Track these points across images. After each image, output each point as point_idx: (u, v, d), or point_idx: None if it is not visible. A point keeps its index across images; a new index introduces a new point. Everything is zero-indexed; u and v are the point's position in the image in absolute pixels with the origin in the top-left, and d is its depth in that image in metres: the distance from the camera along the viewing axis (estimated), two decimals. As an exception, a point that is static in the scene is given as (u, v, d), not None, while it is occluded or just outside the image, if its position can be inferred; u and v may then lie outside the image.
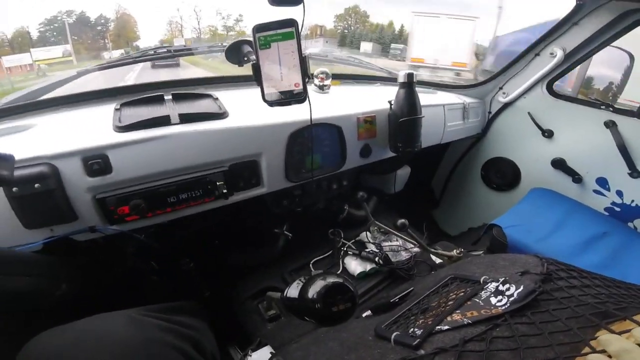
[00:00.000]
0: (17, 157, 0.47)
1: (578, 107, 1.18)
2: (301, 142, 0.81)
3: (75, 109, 0.80)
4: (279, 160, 0.79)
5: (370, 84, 1.29)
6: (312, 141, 0.83)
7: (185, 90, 0.86)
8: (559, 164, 1.22)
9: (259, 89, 0.63)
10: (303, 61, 0.64)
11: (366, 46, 21.39)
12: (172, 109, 0.74)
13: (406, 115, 0.92)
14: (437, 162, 1.63)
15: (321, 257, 1.00)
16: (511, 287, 0.45)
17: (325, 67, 1.03)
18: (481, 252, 1.04)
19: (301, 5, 0.61)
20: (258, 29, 0.63)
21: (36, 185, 0.55)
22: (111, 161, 0.60)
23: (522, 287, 0.44)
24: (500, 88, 1.38)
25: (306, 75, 0.65)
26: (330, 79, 1.00)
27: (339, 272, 0.95)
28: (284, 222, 1.03)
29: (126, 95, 0.82)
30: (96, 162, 0.59)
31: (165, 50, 0.80)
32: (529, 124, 1.30)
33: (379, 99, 1.01)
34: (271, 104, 0.66)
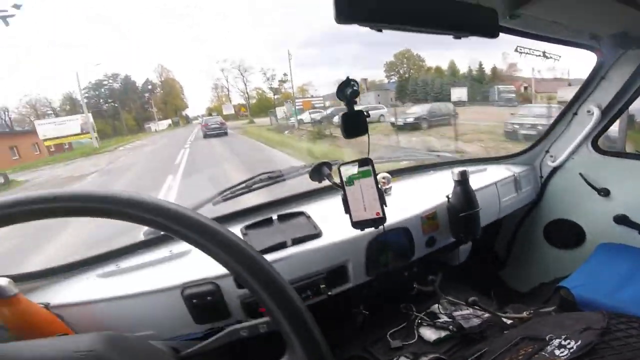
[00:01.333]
0: (194, 277, 0.80)
1: (628, 161, 1.20)
2: (377, 246, 1.00)
3: None
4: (360, 262, 0.99)
5: (425, 173, 1.45)
6: (385, 244, 1.02)
7: (284, 208, 1.14)
8: (621, 220, 1.23)
9: (334, 199, 0.94)
10: (381, 195, 0.85)
11: (459, 93, 19.36)
12: (281, 231, 0.98)
13: (464, 211, 1.08)
14: (497, 229, 1.68)
15: (397, 328, 1.12)
16: (572, 342, 0.56)
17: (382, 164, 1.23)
18: (551, 309, 1.08)
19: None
20: (342, 166, 0.87)
21: (208, 298, 0.81)
22: None
23: (580, 341, 0.55)
24: (547, 151, 1.43)
25: (384, 204, 0.86)
26: (391, 182, 1.19)
27: (414, 340, 1.06)
28: (361, 303, 1.17)
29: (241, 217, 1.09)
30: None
31: (267, 176, 1.11)
32: (582, 184, 1.32)
33: (436, 190, 1.18)
34: (358, 228, 0.88)
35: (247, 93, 43.72)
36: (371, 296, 1.11)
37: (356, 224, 0.87)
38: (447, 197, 1.12)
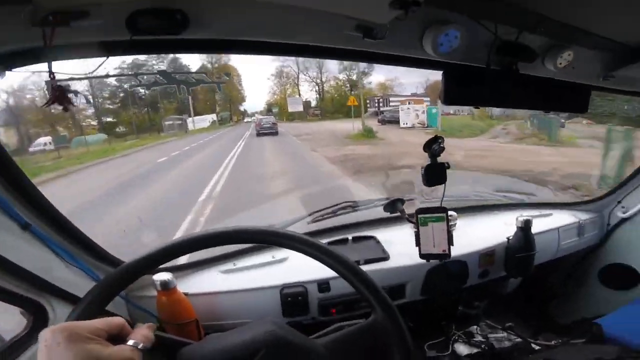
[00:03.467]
0: (289, 280, 1.02)
1: None
2: (436, 272, 1.15)
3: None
4: (418, 284, 1.15)
5: (490, 213, 1.54)
6: (443, 272, 1.15)
7: (357, 231, 1.31)
8: None
9: (402, 228, 1.19)
10: (450, 237, 0.99)
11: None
12: (356, 251, 1.17)
13: (522, 252, 1.19)
14: (551, 266, 1.71)
15: (434, 341, 1.26)
16: None
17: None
18: (580, 341, 1.16)
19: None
20: (420, 211, 1.02)
21: (299, 297, 1.03)
22: (331, 285, 1.04)
23: None
24: (619, 202, 1.46)
25: (451, 245, 1.00)
26: (457, 219, 1.31)
27: (447, 353, 1.21)
28: (407, 315, 1.32)
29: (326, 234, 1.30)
30: (324, 285, 1.04)
31: (348, 205, 1.34)
32: None
33: (498, 230, 1.28)
34: (425, 259, 1.05)
35: (321, 82, 31.48)
36: (418, 311, 1.25)
37: (424, 256, 1.05)
38: (508, 239, 1.22)
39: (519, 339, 1.19)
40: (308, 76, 31.48)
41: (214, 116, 26.60)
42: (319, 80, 31.71)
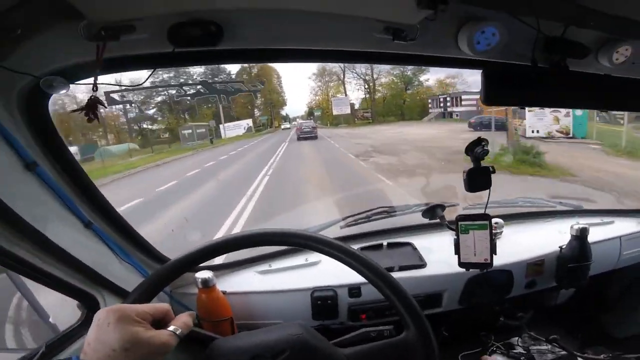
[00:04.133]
0: (321, 284, 1.03)
1: None
2: (476, 282, 1.09)
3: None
4: (456, 293, 1.10)
5: (542, 220, 1.43)
6: (485, 282, 1.08)
7: (393, 237, 1.29)
8: None
9: (441, 235, 1.18)
10: (493, 246, 0.94)
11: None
12: (391, 258, 1.14)
13: (575, 262, 1.09)
14: (610, 276, 1.56)
15: (470, 352, 1.19)
16: None
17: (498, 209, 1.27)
18: (633, 356, 1.04)
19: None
20: (461, 218, 0.98)
21: (328, 301, 1.03)
22: (362, 290, 1.03)
23: None
24: None
25: (494, 254, 0.94)
26: (503, 227, 1.22)
27: None
28: (443, 325, 1.24)
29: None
30: (355, 291, 1.03)
31: (383, 210, 1.34)
32: None
33: (550, 238, 1.19)
34: (465, 268, 1.00)
35: (372, 79, 26.06)
36: (455, 320, 1.20)
37: (463, 265, 1.00)
38: (560, 247, 1.13)
39: (563, 352, 1.09)
40: (355, 73, 25.87)
41: (249, 121, 23.34)
42: (368, 77, 26.13)
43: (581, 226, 1.08)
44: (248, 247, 0.62)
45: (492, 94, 0.71)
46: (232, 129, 21.38)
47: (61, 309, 0.85)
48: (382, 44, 0.67)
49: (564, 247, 1.12)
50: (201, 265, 1.02)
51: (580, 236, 1.09)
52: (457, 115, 20.67)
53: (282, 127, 25.51)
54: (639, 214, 1.42)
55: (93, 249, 0.76)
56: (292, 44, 0.68)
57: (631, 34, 0.68)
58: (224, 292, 1.00)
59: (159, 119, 22.52)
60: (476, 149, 0.91)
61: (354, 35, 0.67)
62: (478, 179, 0.94)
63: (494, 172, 0.94)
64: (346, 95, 26.21)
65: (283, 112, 28.39)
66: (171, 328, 0.49)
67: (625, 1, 0.63)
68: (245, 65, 21.75)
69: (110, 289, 0.79)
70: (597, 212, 1.46)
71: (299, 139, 15.72)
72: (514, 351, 1.13)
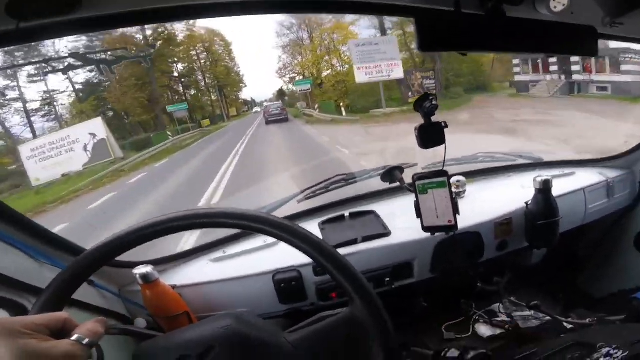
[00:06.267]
0: (282, 265, 0.96)
1: None
2: (445, 247, 1.06)
3: None
4: (426, 261, 1.06)
5: (504, 176, 1.41)
6: (454, 246, 1.06)
7: (355, 206, 1.24)
8: None
9: (404, 199, 1.10)
10: (455, 205, 0.90)
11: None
12: (353, 229, 1.09)
13: (543, 219, 1.07)
14: (579, 234, 1.55)
15: (453, 322, 1.17)
16: (619, 352, 0.59)
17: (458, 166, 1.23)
18: (618, 318, 1.05)
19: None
20: (417, 178, 0.93)
21: (293, 283, 0.97)
22: None
23: (628, 352, 0.58)
24: None
25: (457, 213, 0.90)
26: (465, 185, 1.19)
27: (468, 335, 1.12)
28: (421, 296, 1.23)
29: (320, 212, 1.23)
30: (319, 268, 0.97)
31: (341, 178, 1.26)
32: None
33: (514, 195, 1.17)
34: (429, 232, 0.95)
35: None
36: (433, 290, 1.17)
37: (427, 229, 0.95)
38: (526, 203, 1.11)
39: (548, 317, 1.09)
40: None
41: (96, 128, 11.52)
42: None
43: (544, 178, 1.06)
44: (167, 234, 0.53)
45: (427, 42, 0.65)
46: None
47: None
48: None
49: (529, 202, 1.10)
50: (143, 260, 0.94)
51: (544, 189, 1.06)
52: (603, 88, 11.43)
53: (254, 111, 20.70)
54: (598, 163, 1.42)
55: (2, 255, 0.68)
56: None
57: None
58: (174, 286, 0.92)
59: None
60: (425, 104, 0.86)
61: None
62: (430, 135, 0.88)
63: (446, 127, 0.88)
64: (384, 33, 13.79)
65: (243, 96, 21.07)
66: (74, 337, 0.43)
67: None
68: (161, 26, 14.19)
69: (35, 292, 0.71)
70: (557, 163, 1.46)
71: (267, 122, 13.64)
72: (498, 319, 1.13)
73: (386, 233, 1.06)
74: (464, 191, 1.20)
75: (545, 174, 1.10)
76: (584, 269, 1.61)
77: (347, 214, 1.18)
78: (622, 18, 0.73)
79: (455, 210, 0.91)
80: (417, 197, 0.93)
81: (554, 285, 1.36)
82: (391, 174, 1.15)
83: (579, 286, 1.60)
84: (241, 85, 19.76)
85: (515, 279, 1.28)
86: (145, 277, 0.83)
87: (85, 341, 0.43)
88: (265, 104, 18.60)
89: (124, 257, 0.87)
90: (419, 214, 0.94)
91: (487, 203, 1.17)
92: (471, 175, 1.33)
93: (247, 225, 0.52)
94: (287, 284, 0.97)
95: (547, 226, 1.07)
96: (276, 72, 18.69)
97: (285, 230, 0.53)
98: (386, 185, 1.21)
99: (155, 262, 0.94)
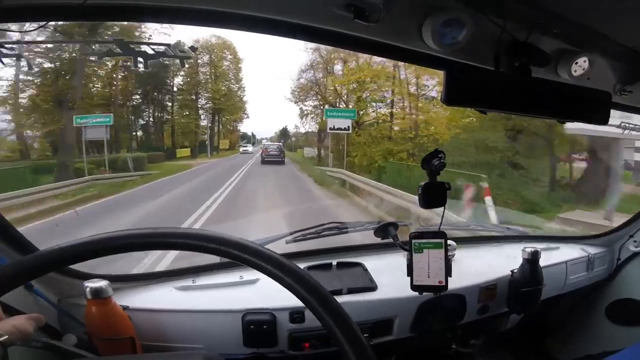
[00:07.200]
0: (255, 306, 0.88)
1: None
2: (429, 307, 1.01)
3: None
4: (408, 319, 1.01)
5: (492, 245, 1.43)
6: (437, 307, 1.02)
7: (343, 256, 1.19)
8: None
9: (393, 256, 1.09)
10: (449, 267, 0.87)
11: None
12: (339, 279, 1.04)
13: (528, 286, 1.08)
14: (556, 301, 1.62)
15: None
16: None
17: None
18: None
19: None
20: (414, 236, 0.90)
21: (264, 326, 0.88)
22: (305, 315, 0.89)
23: None
24: (631, 236, 1.39)
25: (449, 276, 0.86)
26: (455, 249, 1.18)
27: None
28: (394, 354, 1.15)
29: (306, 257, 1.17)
30: (298, 315, 0.90)
31: (334, 226, 1.22)
32: None
33: (500, 262, 1.19)
34: (417, 291, 0.91)
35: None
36: (408, 350, 1.13)
37: (416, 288, 0.91)
38: (512, 271, 1.12)
39: None
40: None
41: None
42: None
43: (533, 249, 1.09)
44: (138, 250, 0.46)
45: (452, 94, 0.67)
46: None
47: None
48: (342, 22, 0.61)
49: (515, 271, 1.11)
50: (99, 273, 0.85)
51: (532, 259, 1.08)
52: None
53: (241, 150, 16.83)
54: (581, 240, 1.48)
55: None
56: (233, 6, 0.57)
57: (589, 45, 0.69)
58: (125, 307, 0.82)
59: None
60: (433, 161, 0.85)
61: (311, 6, 0.60)
62: (433, 195, 0.87)
63: (449, 188, 0.88)
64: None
65: (244, 128, 17.87)
66: None
67: (588, 10, 0.64)
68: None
69: None
70: (544, 238, 1.51)
71: (263, 162, 13.00)
72: None
73: (372, 287, 1.01)
74: (454, 255, 1.18)
75: (532, 247, 1.13)
76: (555, 334, 1.63)
77: (334, 262, 1.13)
78: (632, 86, 0.78)
79: (448, 272, 0.88)
80: (411, 255, 0.90)
81: (525, 349, 1.39)
82: (385, 229, 1.13)
83: (548, 351, 1.61)
84: (242, 114, 15.97)
85: (490, 342, 1.28)
86: (96, 292, 0.74)
87: (4, 338, 0.38)
88: (264, 142, 16.95)
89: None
90: (410, 272, 0.90)
91: (473, 268, 1.17)
92: (461, 241, 1.34)
93: (226, 252, 0.46)
94: (257, 327, 0.88)
95: (531, 293, 1.09)
96: (291, 92, 13.11)
97: (275, 265, 0.49)
98: (375, 240, 1.18)
99: (111, 278, 0.84)
